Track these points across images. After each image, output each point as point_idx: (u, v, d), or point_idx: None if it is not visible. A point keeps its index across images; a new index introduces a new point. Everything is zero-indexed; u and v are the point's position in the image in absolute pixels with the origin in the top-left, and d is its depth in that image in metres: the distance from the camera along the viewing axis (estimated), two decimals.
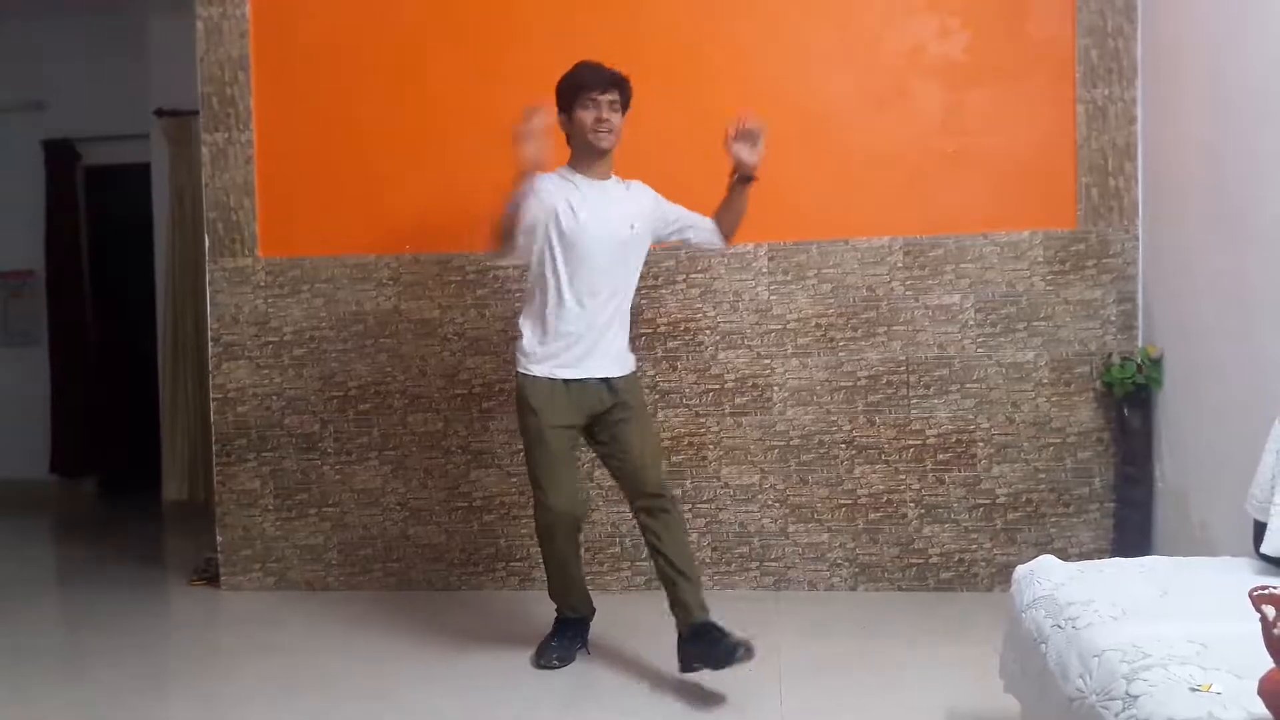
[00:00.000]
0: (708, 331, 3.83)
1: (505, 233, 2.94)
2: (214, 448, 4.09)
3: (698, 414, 3.84)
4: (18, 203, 6.43)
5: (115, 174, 6.45)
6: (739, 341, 3.82)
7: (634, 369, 3.17)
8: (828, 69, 3.79)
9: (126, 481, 6.44)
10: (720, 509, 3.84)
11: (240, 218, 4.02)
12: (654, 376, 3.85)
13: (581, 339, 3.01)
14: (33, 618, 3.87)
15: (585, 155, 3.05)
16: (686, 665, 2.91)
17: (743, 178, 3.06)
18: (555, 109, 3.02)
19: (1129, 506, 3.61)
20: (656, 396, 3.85)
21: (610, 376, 3.05)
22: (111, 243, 6.68)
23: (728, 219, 3.17)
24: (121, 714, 2.87)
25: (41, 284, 6.46)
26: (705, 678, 2.91)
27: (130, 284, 6.54)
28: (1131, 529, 3.60)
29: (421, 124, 3.94)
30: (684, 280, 3.84)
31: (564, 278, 2.99)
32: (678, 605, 2.98)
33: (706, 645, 2.86)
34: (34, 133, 6.36)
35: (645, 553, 3.79)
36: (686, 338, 3.83)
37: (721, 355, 3.83)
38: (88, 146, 6.40)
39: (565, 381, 3.01)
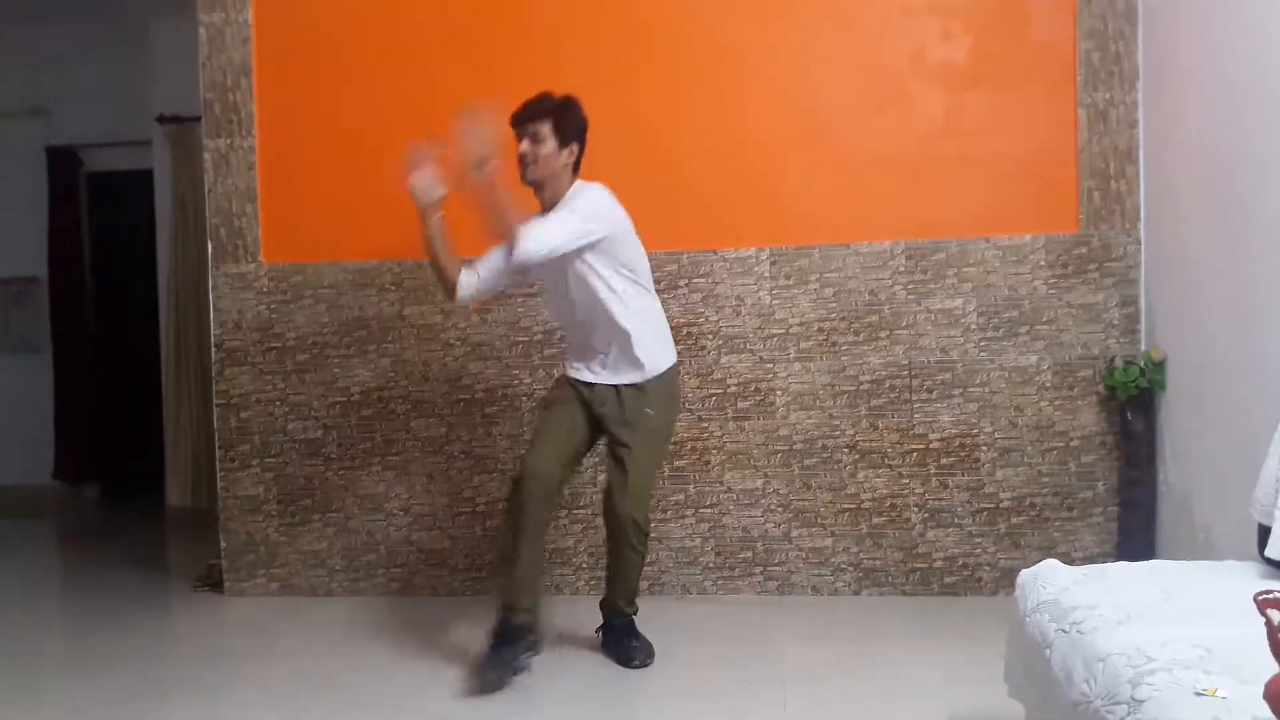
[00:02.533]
0: (710, 336, 3.83)
1: (438, 278, 3.16)
2: (217, 453, 4.09)
3: (700, 419, 3.84)
4: (21, 209, 6.44)
5: (118, 180, 6.46)
6: (741, 346, 3.82)
7: (647, 379, 3.11)
8: (828, 72, 3.80)
9: (129, 487, 6.44)
10: (723, 514, 3.84)
11: (243, 223, 4.02)
12: (654, 418, 3.84)
13: (580, 349, 3.20)
14: (36, 624, 3.88)
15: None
16: (604, 650, 3.25)
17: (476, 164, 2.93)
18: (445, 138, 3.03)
19: (1132, 510, 3.61)
20: None
21: (618, 384, 3.12)
22: (114, 249, 6.68)
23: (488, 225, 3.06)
24: (122, 718, 2.87)
25: (44, 290, 6.47)
26: (713, 682, 2.90)
27: (133, 290, 6.54)
28: (1135, 533, 3.59)
29: (423, 129, 3.91)
30: (686, 285, 3.84)
31: (547, 304, 3.21)
32: (604, 603, 3.29)
33: (614, 639, 3.24)
34: (37, 139, 6.37)
35: (648, 557, 3.81)
36: (689, 342, 3.83)
37: (724, 360, 3.83)
38: (90, 153, 6.41)
39: (574, 381, 3.19)
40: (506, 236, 2.97)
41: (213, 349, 4.08)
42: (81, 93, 6.28)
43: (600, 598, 3.32)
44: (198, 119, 4.20)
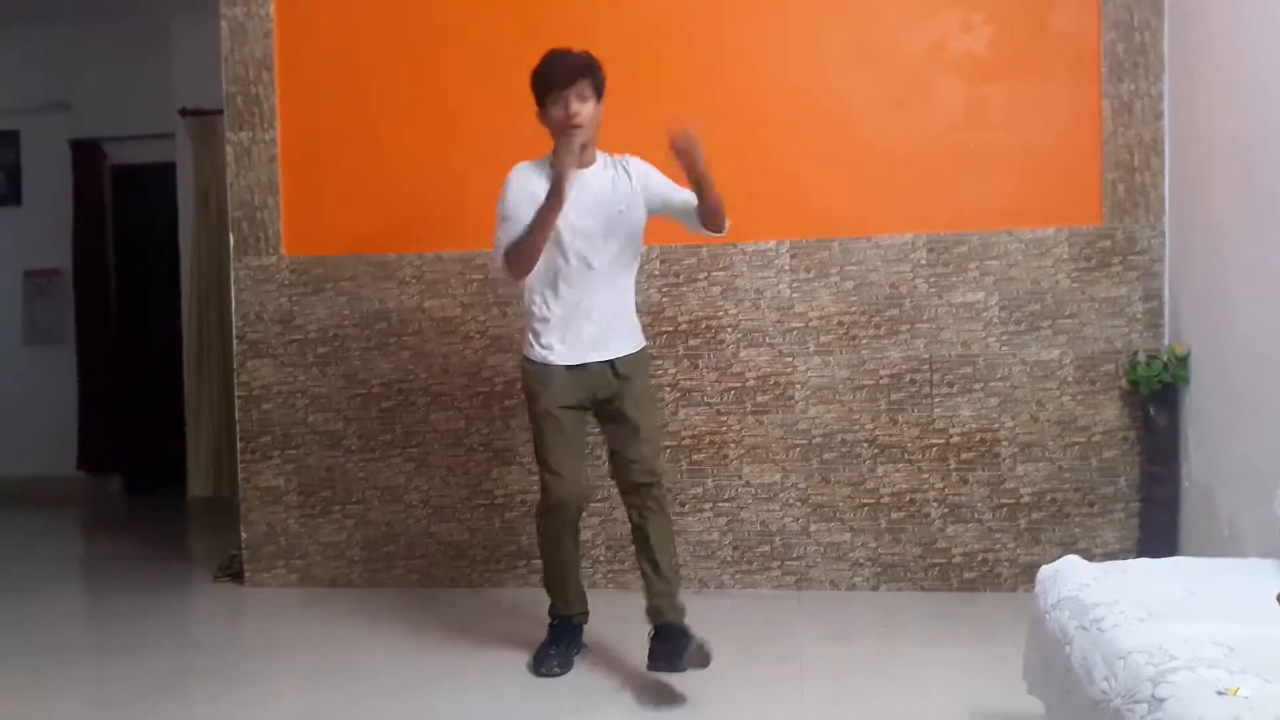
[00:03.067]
0: (729, 329, 3.83)
1: (529, 258, 2.93)
2: (238, 445, 4.12)
3: (719, 412, 3.83)
4: (45, 202, 6.50)
5: (141, 173, 6.51)
6: (760, 339, 3.81)
7: (640, 347, 3.13)
8: (849, 64, 3.78)
9: (151, 478, 6.50)
10: (741, 508, 3.83)
11: (264, 216, 4.04)
12: (675, 374, 3.84)
13: (578, 325, 3.01)
14: (58, 613, 3.92)
15: (557, 141, 2.99)
16: (651, 664, 2.92)
17: (694, 180, 2.90)
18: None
19: (1154, 506, 3.58)
20: (677, 395, 3.84)
21: (614, 358, 3.03)
22: (137, 241, 6.73)
23: (704, 215, 3.00)
24: (146, 709, 2.90)
25: (68, 282, 6.53)
26: (730, 676, 2.90)
27: (155, 282, 6.59)
28: (1157, 529, 3.57)
29: (444, 122, 3.95)
30: (705, 278, 3.83)
31: (556, 264, 2.99)
32: (650, 604, 3.00)
33: (663, 645, 2.90)
34: (61, 133, 6.42)
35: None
36: (708, 335, 3.83)
37: (743, 353, 3.82)
38: (113, 146, 6.46)
39: (567, 367, 3.01)
40: (714, 220, 2.97)
41: (234, 341, 4.10)
42: (105, 87, 6.33)
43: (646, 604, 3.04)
44: (220, 112, 4.23)
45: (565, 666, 3.09)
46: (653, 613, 2.99)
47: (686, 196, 3.00)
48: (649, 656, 2.92)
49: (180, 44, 5.93)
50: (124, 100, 6.25)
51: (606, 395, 3.04)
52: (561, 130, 2.95)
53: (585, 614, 3.24)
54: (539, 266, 2.98)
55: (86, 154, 6.45)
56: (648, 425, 3.07)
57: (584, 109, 2.96)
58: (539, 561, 3.89)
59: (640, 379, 3.11)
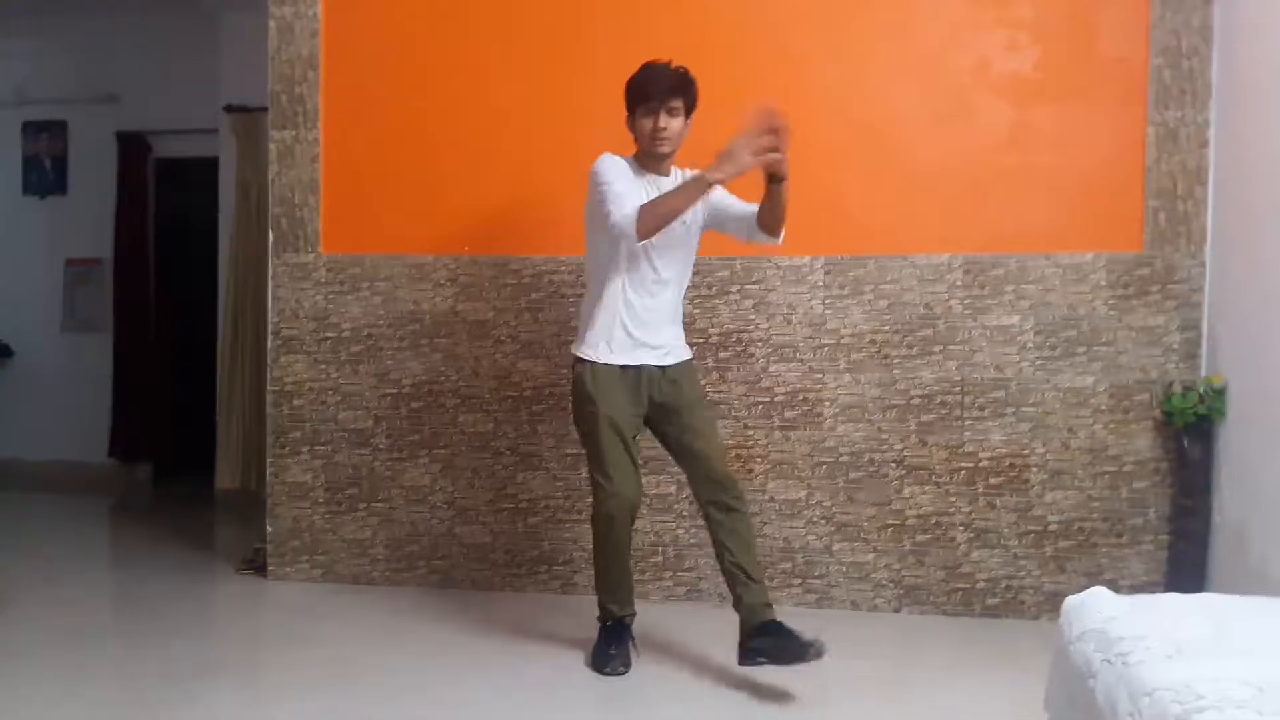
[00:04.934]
0: (760, 344, 3.82)
1: (663, 223, 2.95)
2: (268, 439, 4.15)
3: (746, 426, 3.82)
4: (90, 192, 6.61)
5: (184, 167, 6.60)
6: (791, 355, 3.80)
7: (690, 358, 3.23)
8: (892, 81, 3.76)
9: (181, 468, 6.58)
10: (765, 523, 3.81)
11: (304, 214, 4.08)
12: (704, 387, 3.83)
13: (640, 330, 3.09)
14: (83, 598, 3.96)
15: (647, 156, 3.12)
16: (749, 659, 2.98)
17: (775, 178, 2.95)
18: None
19: (1184, 540, 3.53)
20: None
21: (666, 365, 3.12)
22: (178, 234, 6.82)
23: (769, 216, 3.05)
24: (167, 697, 2.92)
25: (108, 272, 6.62)
26: (750, 692, 2.88)
27: (194, 275, 6.67)
28: (1186, 563, 3.51)
29: (484, 128, 3.98)
30: (738, 291, 3.83)
31: (626, 270, 3.07)
32: (741, 605, 3.04)
33: (774, 640, 2.93)
34: (108, 124, 6.53)
35: (688, 562, 3.81)
36: (738, 349, 3.82)
37: (773, 368, 3.81)
38: (159, 139, 6.56)
39: (622, 368, 3.08)
40: (777, 221, 3.06)
41: (269, 336, 4.14)
42: (153, 80, 6.43)
43: (732, 600, 3.07)
44: (264, 109, 4.28)
45: (627, 665, 3.15)
46: (745, 612, 3.02)
47: (745, 207, 3.12)
48: (745, 653, 2.99)
49: (229, 41, 6.01)
50: (171, 94, 6.35)
51: (661, 400, 3.11)
52: (648, 143, 3.06)
53: (634, 614, 3.28)
54: (608, 270, 3.08)
55: (132, 146, 6.56)
56: (712, 431, 3.19)
57: (672, 124, 3.06)
58: (560, 568, 3.93)
59: (692, 386, 3.20)
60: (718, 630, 3.45)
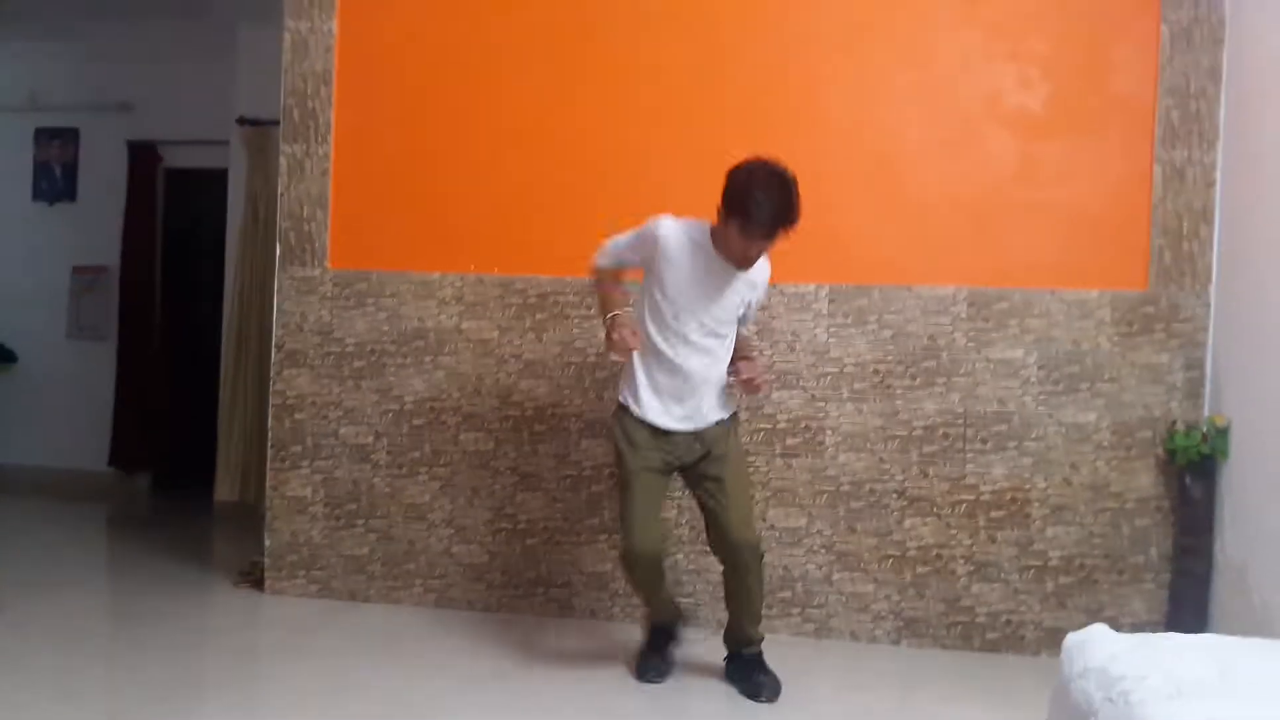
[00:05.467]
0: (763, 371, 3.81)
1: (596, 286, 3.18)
2: (269, 452, 4.15)
3: (748, 452, 3.81)
4: (99, 200, 6.63)
5: (194, 177, 6.62)
6: (794, 382, 3.80)
7: (725, 416, 3.19)
8: (901, 112, 3.78)
9: (181, 479, 6.56)
10: (765, 551, 3.79)
11: (312, 229, 4.10)
12: (740, 442, 3.83)
13: (661, 396, 3.11)
14: (79, 608, 3.94)
15: (722, 251, 2.98)
16: (728, 681, 3.28)
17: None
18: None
19: (1186, 579, 3.52)
20: None
21: (699, 429, 3.13)
22: (185, 244, 6.84)
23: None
24: (159, 709, 2.91)
25: (115, 280, 6.63)
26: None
27: (200, 285, 6.69)
28: (1187, 602, 3.50)
29: (493, 147, 3.99)
30: None
31: (656, 335, 3.08)
32: (729, 634, 3.31)
33: (742, 671, 3.25)
34: (120, 133, 6.56)
35: (686, 589, 3.79)
36: None
37: (775, 395, 3.81)
38: (170, 149, 6.58)
39: (653, 429, 3.12)
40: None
41: (273, 349, 4.15)
42: (167, 90, 6.47)
43: (723, 630, 3.35)
44: (276, 123, 4.30)
45: (661, 674, 3.30)
46: (729, 642, 3.32)
47: (751, 314, 3.26)
48: (729, 674, 3.30)
49: (244, 54, 6.05)
50: (184, 105, 6.38)
51: (688, 458, 3.15)
52: (734, 258, 2.94)
53: (680, 618, 3.41)
54: (651, 329, 3.07)
55: (143, 155, 6.58)
56: (738, 493, 3.16)
57: (763, 249, 2.94)
58: (557, 590, 3.93)
59: (727, 445, 3.18)
60: (714, 658, 3.43)
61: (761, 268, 3.08)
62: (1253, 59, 3.43)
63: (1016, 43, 3.71)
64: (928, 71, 3.77)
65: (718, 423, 3.15)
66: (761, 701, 3.13)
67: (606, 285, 3.17)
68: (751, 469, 3.81)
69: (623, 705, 3.09)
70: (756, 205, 2.79)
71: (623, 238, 3.13)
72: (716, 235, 2.97)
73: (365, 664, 3.35)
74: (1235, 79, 3.53)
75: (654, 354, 3.08)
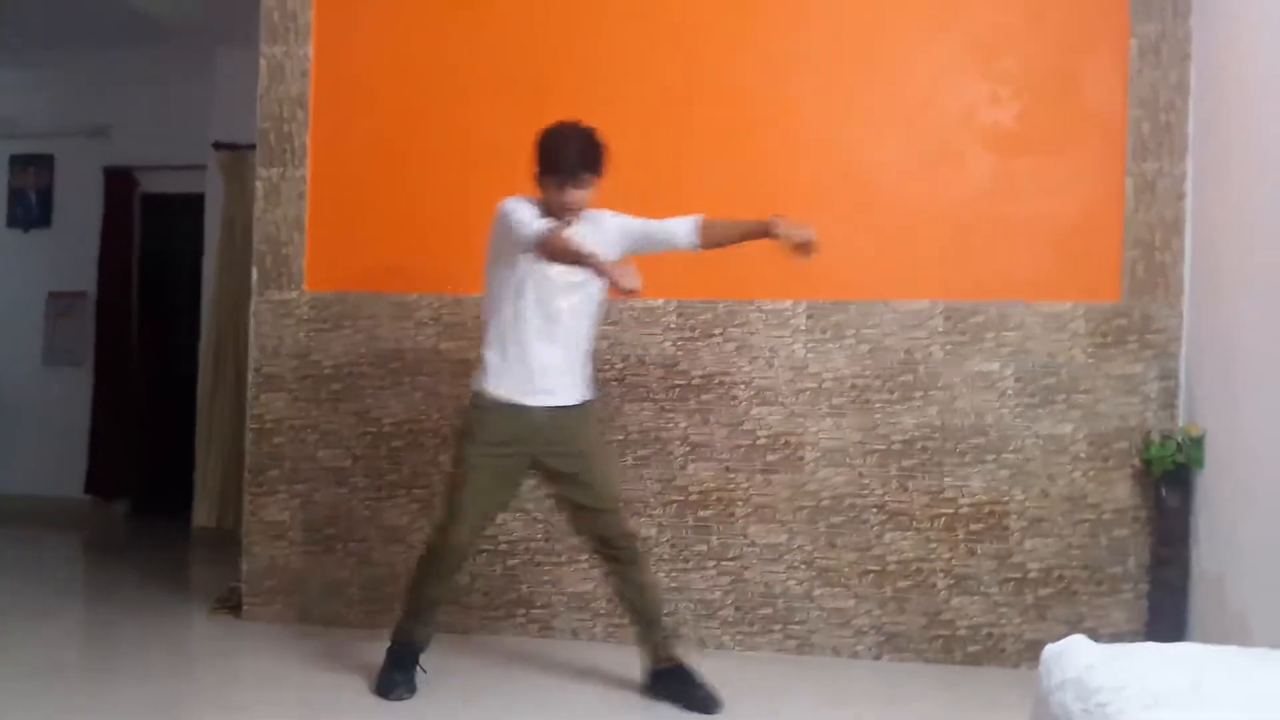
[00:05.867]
0: (742, 386, 3.82)
1: (557, 254, 3.00)
2: (246, 477, 4.12)
3: (728, 469, 3.82)
4: (76, 225, 6.60)
5: (170, 202, 6.60)
6: (773, 398, 3.81)
7: (591, 398, 3.27)
8: (875, 129, 3.81)
9: (158, 505, 6.50)
10: (745, 567, 3.80)
11: (289, 251, 4.08)
12: (685, 429, 3.84)
13: (539, 367, 3.13)
14: (55, 636, 3.90)
15: (550, 212, 3.09)
16: (654, 695, 3.23)
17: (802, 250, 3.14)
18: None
19: (1163, 589, 3.53)
20: (687, 449, 3.83)
21: (555, 406, 3.15)
22: (162, 269, 6.81)
23: (724, 236, 3.21)
24: None
25: (91, 305, 6.59)
26: None
27: (177, 310, 6.65)
28: (1165, 613, 3.51)
29: (469, 169, 4.00)
30: (720, 333, 3.84)
31: (520, 310, 3.11)
32: (644, 645, 3.26)
33: (679, 686, 3.19)
34: (97, 158, 6.54)
35: (667, 607, 3.78)
36: (720, 391, 3.83)
37: (755, 411, 3.81)
38: (146, 175, 6.56)
39: (512, 408, 3.12)
40: (723, 244, 3.25)
41: (250, 373, 4.12)
42: (142, 116, 6.45)
43: (635, 644, 3.31)
44: (252, 147, 4.29)
45: (411, 690, 3.23)
46: (646, 655, 3.26)
47: (663, 227, 3.21)
48: (650, 689, 3.24)
49: (219, 79, 6.04)
50: (160, 130, 6.37)
51: (548, 449, 3.15)
52: (555, 210, 3.08)
53: (426, 642, 3.35)
54: (507, 310, 3.12)
55: (119, 181, 6.55)
56: (610, 479, 3.26)
57: (580, 196, 3.10)
58: (539, 611, 3.90)
59: (588, 431, 3.26)
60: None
61: (605, 218, 3.19)
62: (1218, 72, 3.47)
63: (988, 61, 3.75)
64: (902, 89, 3.80)
65: (582, 404, 3.21)
66: (715, 713, 3.12)
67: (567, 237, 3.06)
68: (732, 485, 3.81)
69: None
70: (555, 149, 3.06)
71: (524, 213, 3.05)
72: (542, 202, 3.11)
73: (341, 689, 3.31)
74: (1202, 92, 3.58)
75: (516, 334, 3.12)
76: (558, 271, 3.05)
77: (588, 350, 3.26)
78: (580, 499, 3.21)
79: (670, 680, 3.21)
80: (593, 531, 3.23)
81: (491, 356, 3.17)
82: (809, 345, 3.80)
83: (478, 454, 3.14)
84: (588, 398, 3.27)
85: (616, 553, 3.21)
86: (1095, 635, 2.88)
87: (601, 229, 3.17)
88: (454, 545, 3.18)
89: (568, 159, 3.05)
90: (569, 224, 3.06)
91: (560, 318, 3.13)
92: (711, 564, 3.81)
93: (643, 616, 3.25)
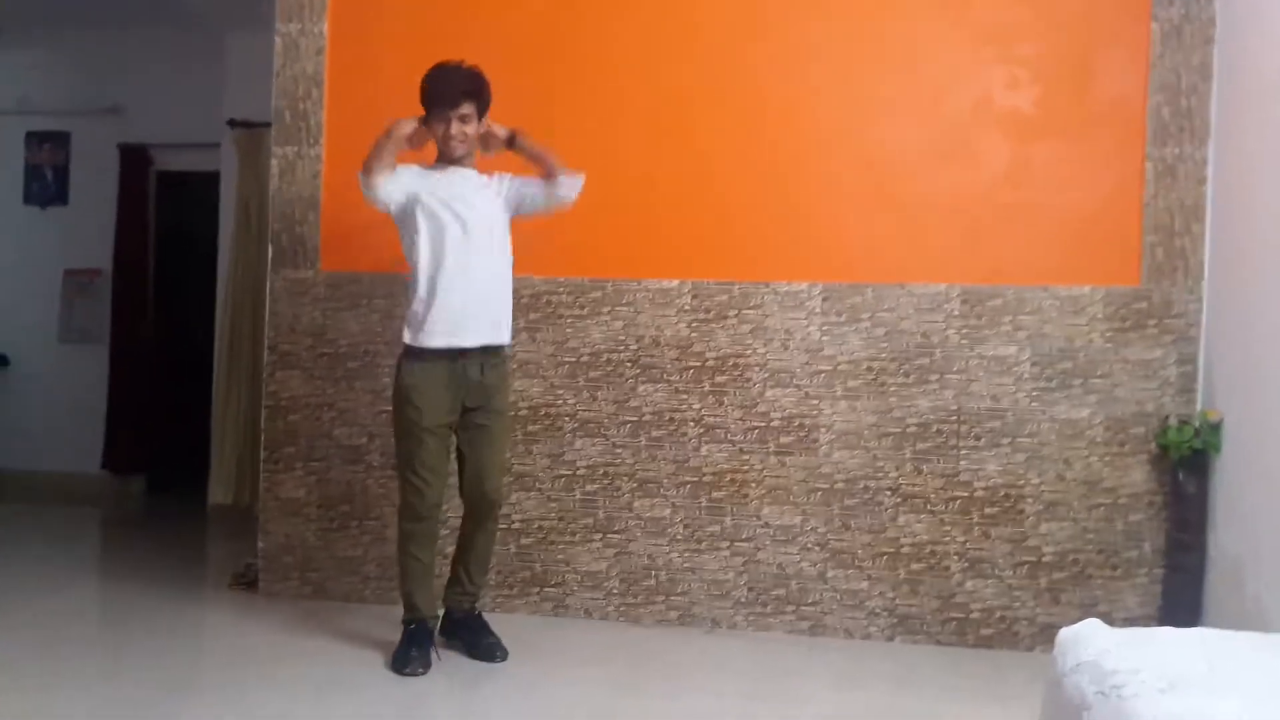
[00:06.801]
0: (756, 368, 3.82)
1: (376, 160, 3.25)
2: (262, 454, 4.14)
3: (742, 450, 3.82)
4: (90, 203, 6.62)
5: (186, 180, 6.62)
6: (788, 380, 3.80)
7: (507, 341, 3.40)
8: (894, 114, 3.79)
9: (174, 482, 6.55)
10: (759, 549, 3.80)
11: (304, 230, 4.09)
12: (700, 410, 3.84)
13: (456, 310, 3.25)
14: (73, 612, 3.94)
15: (443, 157, 3.33)
16: (447, 637, 3.46)
17: (511, 143, 3.39)
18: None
19: (1179, 574, 3.52)
20: (701, 430, 3.83)
21: (476, 346, 3.28)
22: (177, 247, 6.83)
23: (537, 169, 3.38)
24: (153, 713, 2.90)
25: (107, 283, 6.62)
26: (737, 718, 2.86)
27: (193, 288, 6.67)
28: (1180, 597, 3.51)
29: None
30: (735, 315, 3.83)
31: (433, 259, 3.26)
32: (454, 592, 3.50)
33: (471, 633, 3.43)
34: (112, 136, 6.55)
35: (680, 587, 3.80)
36: (735, 373, 3.82)
37: (769, 393, 3.81)
38: (161, 152, 6.58)
39: (442, 357, 3.26)
40: (548, 164, 3.35)
41: (266, 351, 4.14)
42: (158, 94, 6.46)
43: (447, 581, 3.53)
44: (267, 125, 4.29)
45: (427, 666, 3.27)
46: (451, 600, 3.51)
47: (533, 181, 3.38)
48: (444, 632, 3.46)
49: (234, 57, 6.04)
50: (175, 108, 6.38)
51: (469, 391, 3.29)
52: (441, 146, 3.30)
53: (436, 616, 3.48)
54: (425, 249, 3.26)
55: (134, 159, 6.57)
56: (502, 449, 3.47)
57: (465, 130, 3.28)
58: (551, 589, 3.92)
59: (501, 388, 3.40)
60: (706, 655, 3.44)
61: (505, 178, 3.39)
62: (1242, 55, 3.44)
63: (1006, 46, 3.72)
64: (920, 75, 3.78)
65: (498, 347, 3.34)
66: (498, 661, 3.31)
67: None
68: (746, 466, 3.81)
69: (616, 707, 3.08)
70: (436, 84, 3.25)
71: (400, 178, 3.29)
72: (436, 148, 3.31)
73: (356, 664, 3.34)
74: (1226, 76, 3.54)
75: (429, 280, 3.25)
76: (460, 209, 3.25)
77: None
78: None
79: (463, 628, 3.45)
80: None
81: (414, 313, 3.35)
82: (824, 328, 3.79)
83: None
84: (505, 340, 3.40)
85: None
86: (1109, 619, 2.89)
87: (495, 183, 3.37)
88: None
89: (449, 90, 3.22)
90: (461, 160, 3.30)
91: (470, 265, 3.29)
92: (725, 545, 3.82)
93: (468, 567, 3.48)
